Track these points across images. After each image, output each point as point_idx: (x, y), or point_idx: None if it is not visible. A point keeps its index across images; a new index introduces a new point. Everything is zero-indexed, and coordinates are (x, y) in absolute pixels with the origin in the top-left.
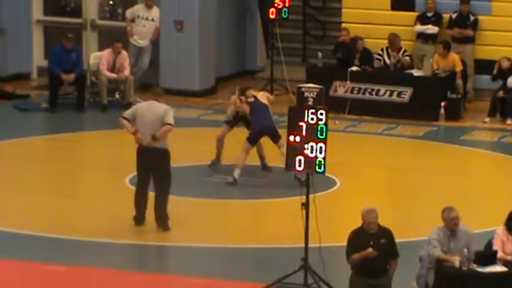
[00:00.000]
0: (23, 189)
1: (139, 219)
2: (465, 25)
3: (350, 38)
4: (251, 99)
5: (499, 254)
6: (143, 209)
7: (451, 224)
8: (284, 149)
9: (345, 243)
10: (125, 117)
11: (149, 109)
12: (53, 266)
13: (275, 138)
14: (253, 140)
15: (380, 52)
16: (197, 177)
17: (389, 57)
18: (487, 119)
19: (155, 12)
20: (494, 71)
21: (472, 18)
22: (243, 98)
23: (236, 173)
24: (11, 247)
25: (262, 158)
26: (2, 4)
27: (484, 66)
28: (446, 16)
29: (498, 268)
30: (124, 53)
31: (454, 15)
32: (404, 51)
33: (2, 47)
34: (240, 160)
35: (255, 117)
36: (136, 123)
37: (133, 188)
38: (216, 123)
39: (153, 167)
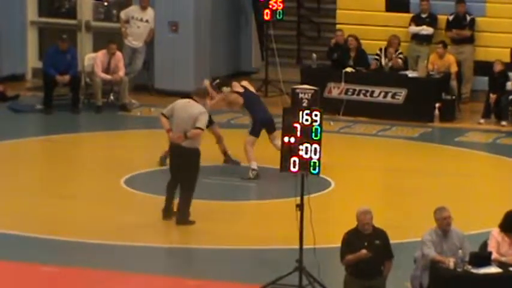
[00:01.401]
0: (17, 190)
1: (165, 213)
2: (462, 26)
3: (344, 39)
4: (240, 90)
5: (494, 255)
6: (170, 204)
7: (443, 224)
8: (277, 142)
9: (339, 245)
10: (163, 114)
11: (185, 107)
12: (47, 267)
13: (272, 129)
14: (256, 133)
15: (378, 52)
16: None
17: (386, 59)
18: (481, 121)
19: (150, 13)
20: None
21: (468, 18)
22: (215, 92)
23: (254, 165)
24: (5, 248)
25: (225, 152)
26: None
27: (479, 67)
28: (441, 17)
29: (493, 269)
30: (118, 54)
31: (450, 17)
32: (399, 52)
33: None
34: (250, 153)
35: (253, 109)
36: (172, 120)
37: (128, 189)
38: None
39: (182, 164)
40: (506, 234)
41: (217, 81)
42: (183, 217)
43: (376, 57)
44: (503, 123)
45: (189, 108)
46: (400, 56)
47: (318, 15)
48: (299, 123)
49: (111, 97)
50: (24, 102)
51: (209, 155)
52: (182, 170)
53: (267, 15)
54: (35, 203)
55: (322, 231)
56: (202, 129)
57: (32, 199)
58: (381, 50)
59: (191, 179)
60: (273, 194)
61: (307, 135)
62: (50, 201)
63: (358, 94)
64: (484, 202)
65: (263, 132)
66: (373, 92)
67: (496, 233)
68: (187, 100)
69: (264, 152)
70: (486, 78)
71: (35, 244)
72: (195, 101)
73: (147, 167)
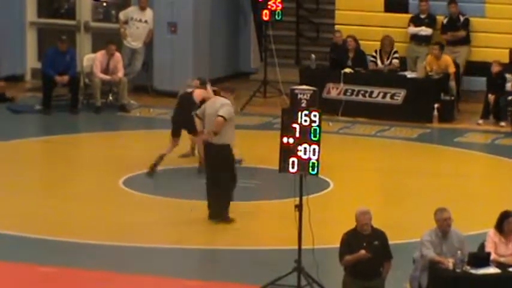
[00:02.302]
0: (16, 191)
1: (210, 213)
2: (456, 27)
3: (342, 40)
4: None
5: (492, 256)
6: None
7: (443, 225)
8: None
9: (338, 245)
10: (197, 115)
11: (211, 105)
12: (46, 268)
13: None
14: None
15: (374, 54)
16: (193, 178)
17: (382, 60)
18: (480, 121)
19: (149, 14)
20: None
21: (462, 18)
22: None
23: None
24: (4, 248)
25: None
26: None
27: (477, 68)
28: (439, 18)
29: (491, 270)
30: (117, 55)
31: (445, 20)
32: (395, 52)
33: None
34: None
35: None
36: (205, 119)
37: (127, 189)
38: None
39: (215, 162)
40: (501, 234)
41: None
42: (220, 213)
43: (372, 58)
44: (502, 123)
45: (215, 104)
46: (396, 56)
47: (317, 16)
48: (298, 124)
49: (110, 98)
50: (23, 103)
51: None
52: (217, 167)
53: (265, 16)
54: (33, 204)
55: (321, 232)
56: (222, 117)
57: (31, 199)
58: (376, 51)
59: (227, 175)
60: (272, 194)
61: (306, 135)
62: (48, 202)
63: (357, 95)
64: (482, 203)
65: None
66: (372, 92)
67: (492, 233)
68: (213, 97)
69: (262, 153)
70: (484, 79)
71: (33, 244)
72: (222, 96)
73: (146, 167)
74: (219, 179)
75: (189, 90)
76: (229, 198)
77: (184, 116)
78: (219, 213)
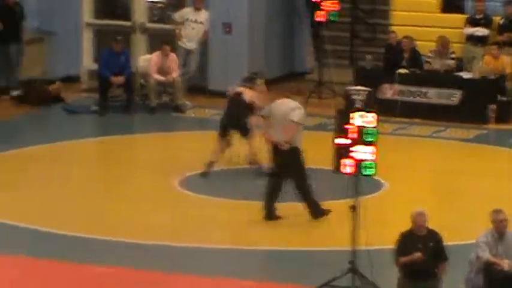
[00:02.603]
0: (72, 192)
1: (266, 213)
2: None
3: (397, 41)
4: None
5: None
6: (271, 205)
7: (499, 226)
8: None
9: (393, 246)
10: (262, 116)
11: (280, 106)
12: (101, 268)
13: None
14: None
15: (429, 54)
16: (247, 179)
17: (438, 60)
18: None
19: (204, 15)
20: None
21: None
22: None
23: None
24: (60, 248)
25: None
26: (53, 8)
27: None
28: (496, 19)
29: None
30: (172, 55)
31: (501, 21)
32: (452, 53)
33: (52, 50)
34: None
35: None
36: (272, 120)
37: (182, 190)
38: None
39: (283, 164)
40: None
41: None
42: (314, 211)
43: (428, 59)
44: None
45: (283, 106)
46: (452, 56)
47: (372, 17)
48: (353, 125)
49: (165, 98)
50: (79, 104)
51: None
52: (286, 170)
53: (321, 17)
54: (89, 204)
55: (375, 233)
56: (294, 122)
57: (86, 200)
58: (431, 51)
59: (300, 178)
60: (327, 195)
61: (361, 136)
62: (104, 202)
63: (413, 95)
64: None
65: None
66: (427, 93)
67: None
68: (282, 100)
69: (318, 154)
70: None
71: (89, 245)
72: (290, 98)
73: (201, 168)
74: (295, 182)
75: (238, 90)
76: (312, 197)
77: (235, 118)
78: (319, 213)
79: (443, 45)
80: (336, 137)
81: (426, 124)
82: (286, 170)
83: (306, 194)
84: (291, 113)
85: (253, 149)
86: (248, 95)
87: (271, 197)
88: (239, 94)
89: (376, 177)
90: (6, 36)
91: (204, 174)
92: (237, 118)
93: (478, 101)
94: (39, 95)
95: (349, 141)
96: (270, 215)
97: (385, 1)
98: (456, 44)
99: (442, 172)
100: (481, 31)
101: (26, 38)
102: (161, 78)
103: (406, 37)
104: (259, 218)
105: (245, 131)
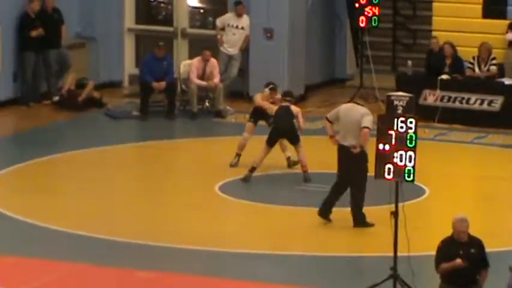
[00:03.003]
0: (114, 197)
1: (323, 211)
2: None
3: (439, 46)
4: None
5: None
6: (330, 205)
7: None
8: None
9: (434, 252)
10: (327, 119)
11: (348, 112)
12: (143, 273)
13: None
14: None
15: (471, 60)
16: (287, 184)
17: (479, 67)
18: None
19: (245, 20)
20: None
21: None
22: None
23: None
24: (101, 253)
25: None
26: (95, 13)
27: None
28: None
29: None
30: (213, 60)
31: None
32: (493, 59)
33: (94, 56)
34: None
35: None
36: (339, 124)
37: (223, 195)
38: (305, 131)
39: (349, 165)
40: None
41: (271, 86)
42: (359, 220)
43: (470, 65)
44: None
45: (353, 112)
46: (494, 62)
47: (414, 22)
48: (394, 131)
49: (206, 103)
50: (120, 109)
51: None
52: (350, 174)
53: (362, 22)
54: (129, 209)
55: (416, 239)
56: (369, 128)
57: (128, 205)
58: (473, 57)
59: (360, 182)
60: (367, 201)
61: (402, 142)
62: (144, 207)
63: (454, 101)
64: None
65: None
66: (469, 99)
67: None
68: (350, 104)
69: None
70: None
71: (131, 249)
72: (358, 104)
73: (242, 173)
74: (354, 185)
75: (284, 104)
76: (363, 204)
77: (285, 126)
78: (362, 220)
79: (485, 52)
80: (378, 143)
81: (467, 130)
82: (353, 173)
83: (360, 201)
84: (362, 120)
85: (302, 156)
86: (294, 107)
87: (333, 198)
88: (287, 105)
89: (416, 183)
90: (46, 42)
91: (246, 180)
92: (287, 128)
93: None
94: (76, 100)
95: (390, 147)
96: (325, 213)
97: (427, 7)
98: (498, 50)
99: (482, 178)
100: None
101: (67, 44)
102: (202, 83)
103: (446, 43)
104: (298, 223)
105: (295, 139)
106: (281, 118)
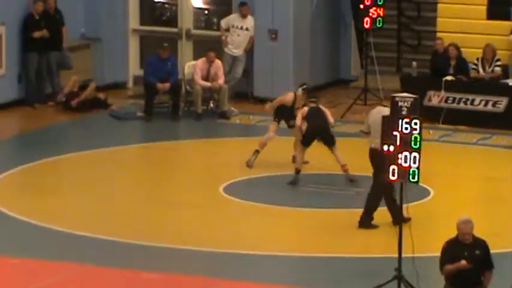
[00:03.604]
0: (118, 198)
1: (395, 219)
2: None
3: (444, 48)
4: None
5: None
6: (394, 210)
7: None
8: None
9: (438, 254)
10: (363, 131)
11: (376, 115)
12: (148, 274)
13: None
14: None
15: (475, 62)
16: (291, 186)
17: (483, 68)
18: None
19: (250, 21)
20: None
21: None
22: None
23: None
24: (105, 254)
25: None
26: (99, 14)
27: None
28: None
29: None
30: (218, 62)
31: None
32: (497, 60)
33: (98, 57)
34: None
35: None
36: (371, 128)
37: (227, 196)
38: None
39: (379, 167)
40: None
41: (305, 86)
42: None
43: (474, 66)
44: None
45: (380, 115)
46: (498, 64)
47: (418, 23)
48: (398, 132)
49: (211, 105)
50: (124, 110)
51: (315, 164)
52: (379, 173)
53: (366, 23)
54: (134, 210)
55: (421, 240)
56: None
57: (132, 206)
58: (478, 59)
59: (382, 183)
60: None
61: (407, 143)
62: (148, 208)
63: (458, 102)
64: None
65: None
66: (473, 100)
67: None
68: (381, 107)
69: (362, 161)
70: None
71: (135, 250)
72: (384, 106)
73: (247, 174)
74: (378, 184)
75: (313, 105)
76: (377, 205)
77: (321, 125)
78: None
79: (489, 53)
80: (382, 144)
81: (471, 131)
82: (379, 172)
83: (375, 201)
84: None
85: (340, 158)
86: (325, 109)
87: (393, 201)
88: (317, 107)
89: (421, 184)
90: (48, 43)
91: (294, 183)
92: (323, 126)
93: None
94: (79, 101)
95: (394, 148)
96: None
97: (431, 8)
98: (502, 51)
99: (487, 179)
100: None
101: (72, 45)
102: (207, 84)
103: (451, 44)
104: (303, 224)
105: (330, 140)
106: (315, 118)
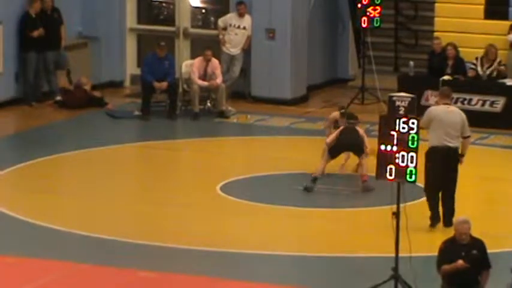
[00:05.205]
0: (114, 196)
1: (434, 220)
2: None
3: (441, 47)
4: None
5: None
6: (437, 209)
7: None
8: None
9: (435, 253)
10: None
11: (448, 114)
12: (144, 273)
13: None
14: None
15: (474, 61)
16: (288, 185)
17: (483, 67)
18: None
19: (247, 20)
20: None
21: None
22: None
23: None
24: (102, 253)
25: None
26: (97, 13)
27: None
28: None
29: None
30: (215, 61)
31: None
32: (499, 61)
33: (96, 55)
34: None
35: None
36: (432, 125)
37: (225, 195)
38: (307, 131)
39: (445, 165)
40: None
41: (343, 110)
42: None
43: (472, 66)
44: None
45: (451, 115)
46: (502, 65)
47: (416, 23)
48: (396, 131)
49: (208, 104)
50: (121, 109)
51: (301, 163)
52: (446, 171)
53: (364, 23)
54: (131, 209)
55: (418, 240)
56: (469, 136)
57: (129, 205)
58: (477, 58)
59: (455, 178)
60: (369, 202)
61: (404, 143)
62: (146, 207)
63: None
64: None
65: None
66: (470, 100)
67: None
68: (446, 106)
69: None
70: None
71: (132, 249)
72: (449, 104)
73: (244, 173)
74: (452, 183)
75: (350, 126)
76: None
77: (351, 141)
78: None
79: (492, 54)
80: (379, 143)
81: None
82: (449, 171)
83: (454, 201)
84: (465, 128)
85: (365, 168)
86: (363, 132)
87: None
88: (353, 127)
89: (418, 184)
90: (45, 42)
91: (309, 189)
92: (353, 142)
93: None
94: (76, 99)
95: (392, 148)
96: (434, 223)
97: (429, 7)
98: (500, 51)
99: (485, 179)
100: None
101: (69, 44)
102: (204, 83)
103: (449, 44)
104: (301, 223)
105: (360, 151)
106: (347, 134)
